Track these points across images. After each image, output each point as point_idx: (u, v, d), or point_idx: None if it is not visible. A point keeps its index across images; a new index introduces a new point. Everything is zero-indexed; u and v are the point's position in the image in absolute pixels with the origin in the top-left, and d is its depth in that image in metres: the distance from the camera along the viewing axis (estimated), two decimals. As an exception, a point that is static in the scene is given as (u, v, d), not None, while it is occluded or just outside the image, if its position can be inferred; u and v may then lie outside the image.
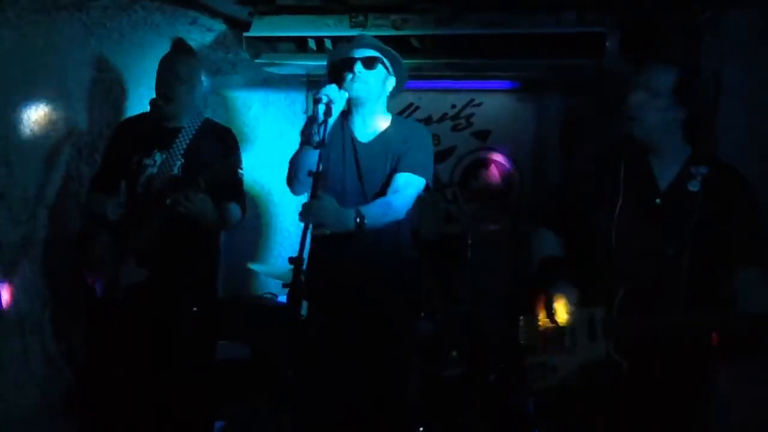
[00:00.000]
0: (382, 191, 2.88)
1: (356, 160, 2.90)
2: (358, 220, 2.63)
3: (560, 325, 2.51)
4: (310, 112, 2.73)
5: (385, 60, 2.91)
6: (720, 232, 2.36)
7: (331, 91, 2.71)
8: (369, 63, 2.86)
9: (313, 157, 2.62)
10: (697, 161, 2.43)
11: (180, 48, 3.34)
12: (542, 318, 2.57)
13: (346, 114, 2.95)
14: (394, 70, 2.96)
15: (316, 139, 2.60)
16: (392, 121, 3.00)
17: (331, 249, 2.83)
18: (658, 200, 2.44)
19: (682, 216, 2.37)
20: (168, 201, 3.10)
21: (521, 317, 2.64)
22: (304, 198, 2.73)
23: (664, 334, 2.35)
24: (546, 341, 2.54)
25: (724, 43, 3.32)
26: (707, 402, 2.49)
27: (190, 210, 3.09)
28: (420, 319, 3.80)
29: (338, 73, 2.89)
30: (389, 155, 2.88)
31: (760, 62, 3.23)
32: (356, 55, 2.86)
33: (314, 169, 2.53)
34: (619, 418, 2.44)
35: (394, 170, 2.88)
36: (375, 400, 2.85)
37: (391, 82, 2.99)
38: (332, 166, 2.90)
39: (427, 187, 2.93)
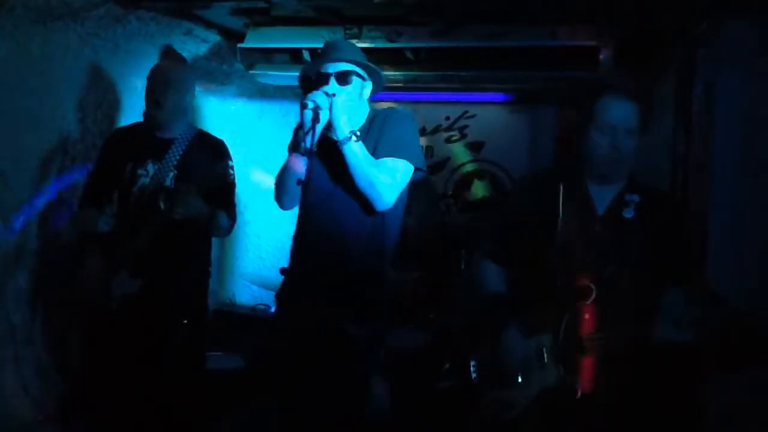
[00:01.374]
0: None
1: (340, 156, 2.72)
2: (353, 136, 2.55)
3: (511, 363, 2.52)
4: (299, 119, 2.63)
5: (358, 69, 2.74)
6: (654, 255, 2.44)
7: (318, 96, 2.57)
8: (343, 78, 2.70)
9: (301, 165, 2.54)
10: (631, 189, 2.50)
11: (169, 55, 3.33)
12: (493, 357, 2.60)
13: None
14: (369, 74, 2.79)
15: (303, 146, 2.50)
16: (369, 114, 2.85)
17: (311, 252, 2.74)
18: (597, 227, 2.50)
19: (619, 241, 2.44)
20: (162, 206, 3.10)
21: (472, 359, 2.67)
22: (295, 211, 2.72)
23: (612, 352, 2.39)
24: (499, 379, 2.55)
25: (718, 54, 3.33)
26: (668, 411, 2.54)
27: (185, 213, 3.08)
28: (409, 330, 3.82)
29: (313, 86, 2.71)
30: (369, 142, 2.72)
31: (755, 73, 3.25)
32: (329, 70, 2.69)
33: (303, 177, 2.47)
34: None
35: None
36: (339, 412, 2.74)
37: (368, 88, 2.81)
38: (317, 168, 2.72)
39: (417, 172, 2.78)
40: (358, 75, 2.74)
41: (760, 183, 3.19)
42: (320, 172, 2.73)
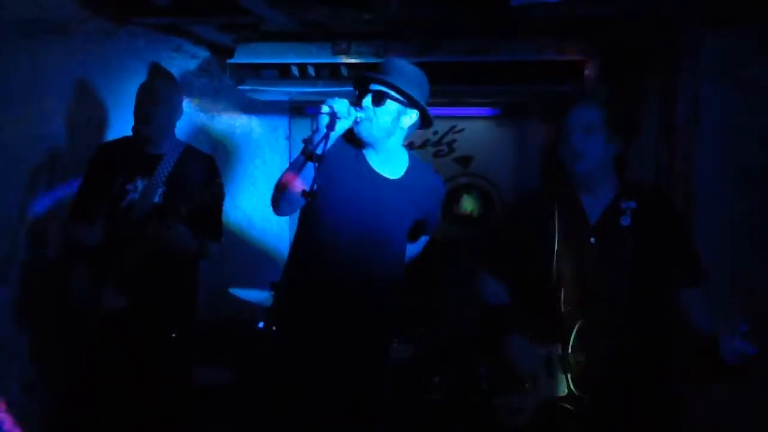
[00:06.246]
0: (399, 234, 2.83)
1: (382, 196, 2.73)
2: None
3: (519, 370, 2.59)
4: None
5: (399, 96, 2.64)
6: (655, 259, 2.47)
7: (337, 104, 2.49)
8: (377, 98, 2.62)
9: (308, 171, 2.46)
10: (626, 196, 2.53)
11: (157, 72, 3.37)
12: (501, 364, 2.66)
13: (361, 144, 2.75)
14: (413, 105, 2.69)
15: (314, 151, 2.40)
16: (411, 163, 2.84)
17: (325, 270, 2.73)
18: (592, 239, 2.54)
19: (617, 250, 2.47)
20: (150, 230, 3.11)
21: (481, 366, 2.72)
22: (285, 220, 2.70)
23: (619, 362, 2.43)
24: (508, 385, 2.61)
25: (701, 66, 3.38)
26: (674, 426, 2.57)
27: (169, 241, 3.09)
28: (398, 343, 3.81)
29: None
30: (414, 206, 2.79)
31: (737, 85, 3.29)
32: (371, 87, 2.64)
33: (308, 188, 2.34)
34: None
35: (417, 225, 2.90)
36: (348, 418, 2.77)
37: (410, 117, 2.71)
38: (346, 192, 2.70)
39: None
40: (397, 101, 2.65)
41: (742, 193, 3.23)
42: (353, 200, 2.71)
